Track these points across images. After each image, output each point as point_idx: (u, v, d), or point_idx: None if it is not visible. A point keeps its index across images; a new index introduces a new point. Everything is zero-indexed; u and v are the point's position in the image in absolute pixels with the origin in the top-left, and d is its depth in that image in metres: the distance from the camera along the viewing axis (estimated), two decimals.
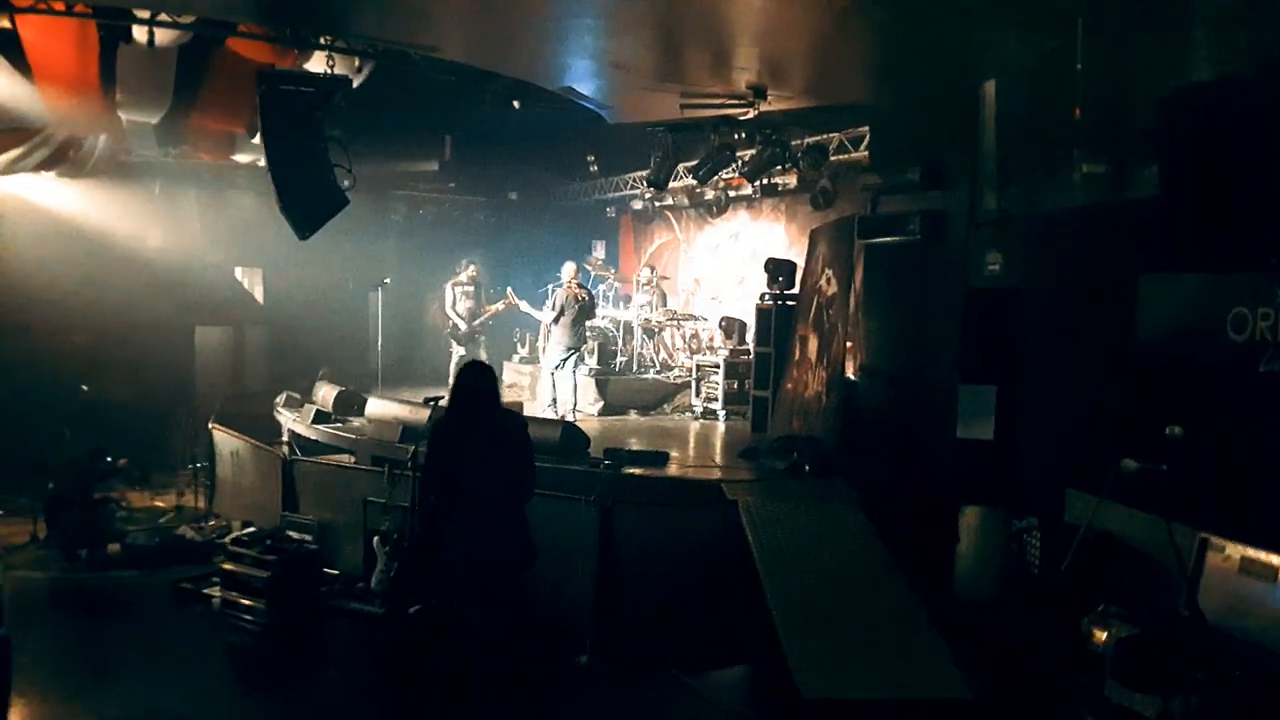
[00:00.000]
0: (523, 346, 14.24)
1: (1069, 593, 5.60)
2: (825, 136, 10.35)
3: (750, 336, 11.40)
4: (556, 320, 10.75)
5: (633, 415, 11.65)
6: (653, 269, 13.21)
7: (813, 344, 9.29)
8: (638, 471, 7.99)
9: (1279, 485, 4.18)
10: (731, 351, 11.50)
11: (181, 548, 9.25)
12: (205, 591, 7.99)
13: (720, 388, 11.30)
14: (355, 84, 8.79)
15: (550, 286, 12.73)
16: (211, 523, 10.00)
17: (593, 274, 14.00)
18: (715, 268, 14.10)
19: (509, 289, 11.73)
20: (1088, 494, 6.01)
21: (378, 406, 10.08)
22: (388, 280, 12.02)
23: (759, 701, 5.66)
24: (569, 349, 10.78)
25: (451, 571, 4.96)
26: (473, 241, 16.62)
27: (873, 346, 8.59)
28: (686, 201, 13.32)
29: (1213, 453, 4.30)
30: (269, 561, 7.29)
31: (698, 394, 11.70)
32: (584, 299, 10.86)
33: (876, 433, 8.29)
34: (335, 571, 8.38)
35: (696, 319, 12.81)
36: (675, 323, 12.78)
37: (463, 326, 12.52)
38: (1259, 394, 4.31)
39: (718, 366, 11.37)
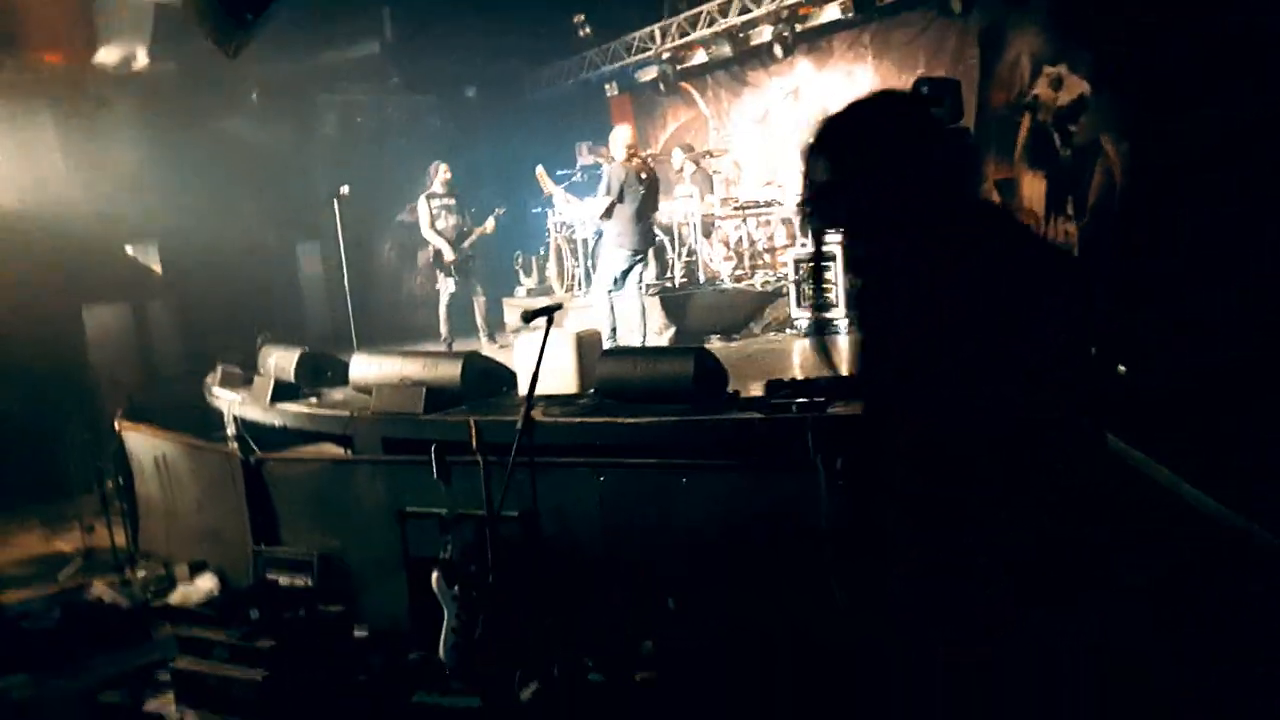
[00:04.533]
0: (528, 275, 10.84)
1: None
2: None
3: None
4: (610, 211, 7.35)
5: (715, 341, 8.42)
6: (691, 148, 9.91)
7: (1032, 186, 6.19)
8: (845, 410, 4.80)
9: None
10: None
11: (98, 621, 5.83)
12: (150, 709, 4.61)
13: (841, 287, 8.12)
14: None
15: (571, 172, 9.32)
16: (141, 571, 6.56)
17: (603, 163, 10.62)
18: (764, 144, 10.83)
19: (539, 167, 8.26)
20: None
21: (373, 366, 6.63)
22: (346, 189, 8.45)
23: None
24: (635, 253, 7.40)
25: None
26: (427, 154, 13.03)
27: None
28: (729, 50, 9.92)
29: None
30: (262, 651, 3.95)
31: (800, 303, 8.51)
32: (648, 177, 7.48)
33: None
34: (363, 634, 5.07)
35: (771, 205, 9.53)
36: (742, 213, 9.46)
37: (448, 252, 9.09)
38: None
39: (832, 258, 8.17)
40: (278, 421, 6.80)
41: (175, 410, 8.67)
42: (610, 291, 7.51)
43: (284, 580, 5.36)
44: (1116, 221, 5.40)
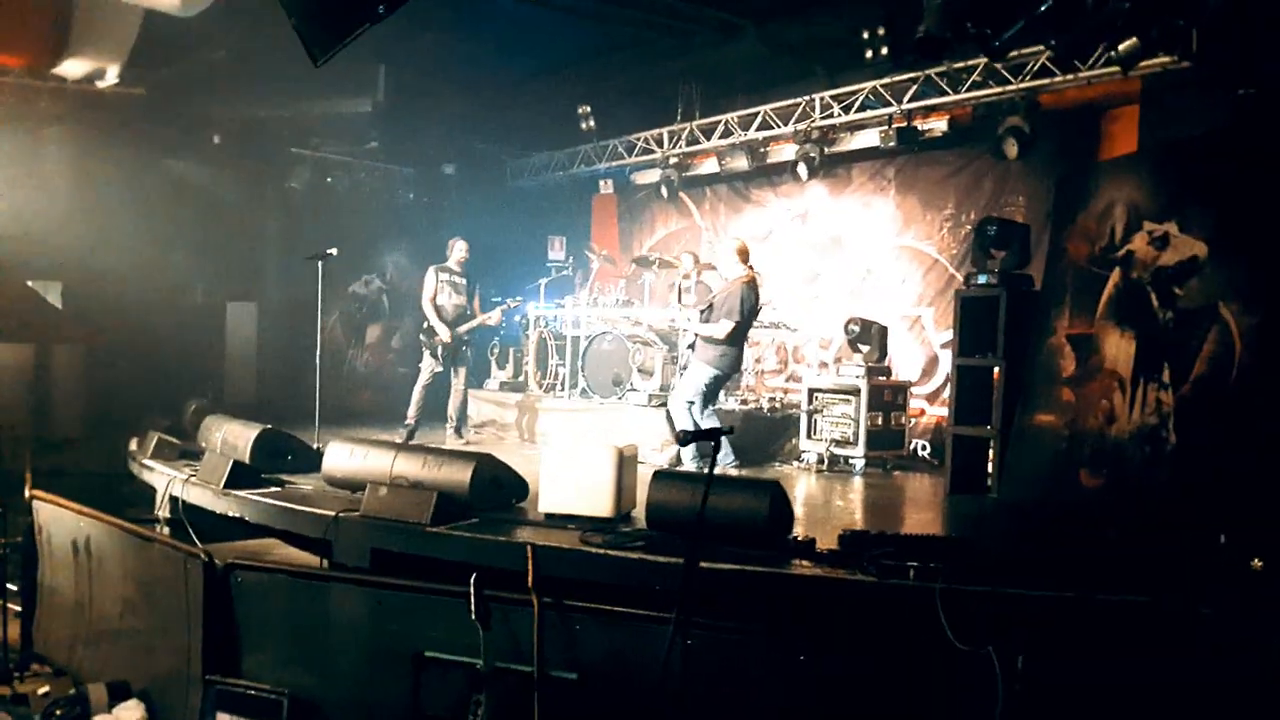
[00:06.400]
0: (501, 367, 9.97)
1: None
2: None
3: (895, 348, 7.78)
4: (734, 336, 6.94)
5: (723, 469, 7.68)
6: (695, 257, 9.36)
7: (1121, 346, 5.74)
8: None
9: None
10: (869, 370, 7.78)
11: None
12: None
13: (860, 423, 7.56)
14: None
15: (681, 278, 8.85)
16: (42, 687, 5.29)
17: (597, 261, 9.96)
18: (762, 265, 10.33)
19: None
20: None
21: (355, 458, 5.64)
22: (334, 250, 7.57)
23: None
24: (728, 377, 7.33)
25: None
26: (394, 224, 12.19)
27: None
28: (745, 164, 9.46)
29: None
30: None
31: (811, 433, 7.89)
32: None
33: None
34: None
35: (783, 326, 8.98)
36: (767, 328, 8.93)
37: (444, 332, 8.26)
38: None
39: (853, 392, 7.62)
40: (232, 511, 5.70)
41: (73, 479, 7.44)
42: (690, 409, 6.89)
43: None
44: (1231, 397, 4.95)
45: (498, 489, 5.44)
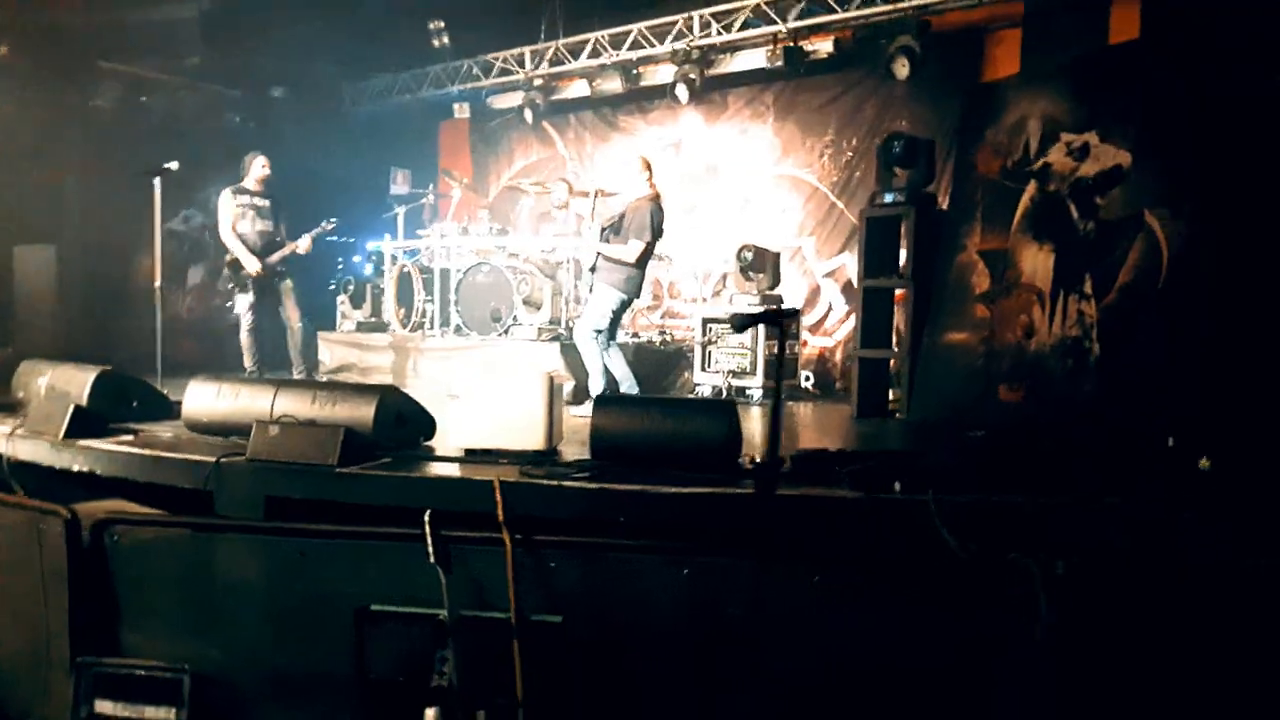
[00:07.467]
0: (356, 306, 9.09)
1: None
2: None
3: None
4: (643, 258, 6.43)
5: None
6: (569, 184, 8.81)
7: (1039, 259, 5.72)
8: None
9: None
10: (765, 298, 7.55)
11: None
12: None
13: (759, 353, 7.33)
14: None
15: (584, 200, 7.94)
16: None
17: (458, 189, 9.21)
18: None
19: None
20: None
21: (225, 399, 4.88)
22: (173, 165, 6.58)
23: None
24: (631, 301, 6.68)
25: None
26: (218, 152, 10.82)
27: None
28: (619, 86, 8.96)
29: None
30: None
31: (705, 366, 7.60)
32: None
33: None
34: None
35: (662, 258, 8.58)
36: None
37: (249, 263, 7.28)
38: None
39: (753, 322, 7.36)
40: (79, 464, 4.77)
41: None
42: (597, 338, 6.36)
43: (127, 712, 3.52)
44: (1160, 303, 5.00)
45: (403, 425, 4.81)
